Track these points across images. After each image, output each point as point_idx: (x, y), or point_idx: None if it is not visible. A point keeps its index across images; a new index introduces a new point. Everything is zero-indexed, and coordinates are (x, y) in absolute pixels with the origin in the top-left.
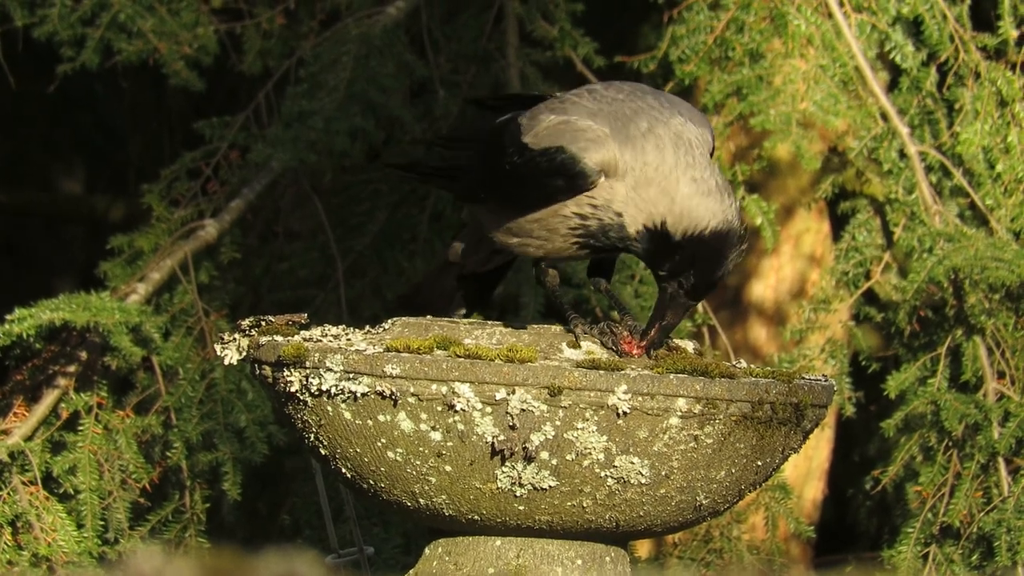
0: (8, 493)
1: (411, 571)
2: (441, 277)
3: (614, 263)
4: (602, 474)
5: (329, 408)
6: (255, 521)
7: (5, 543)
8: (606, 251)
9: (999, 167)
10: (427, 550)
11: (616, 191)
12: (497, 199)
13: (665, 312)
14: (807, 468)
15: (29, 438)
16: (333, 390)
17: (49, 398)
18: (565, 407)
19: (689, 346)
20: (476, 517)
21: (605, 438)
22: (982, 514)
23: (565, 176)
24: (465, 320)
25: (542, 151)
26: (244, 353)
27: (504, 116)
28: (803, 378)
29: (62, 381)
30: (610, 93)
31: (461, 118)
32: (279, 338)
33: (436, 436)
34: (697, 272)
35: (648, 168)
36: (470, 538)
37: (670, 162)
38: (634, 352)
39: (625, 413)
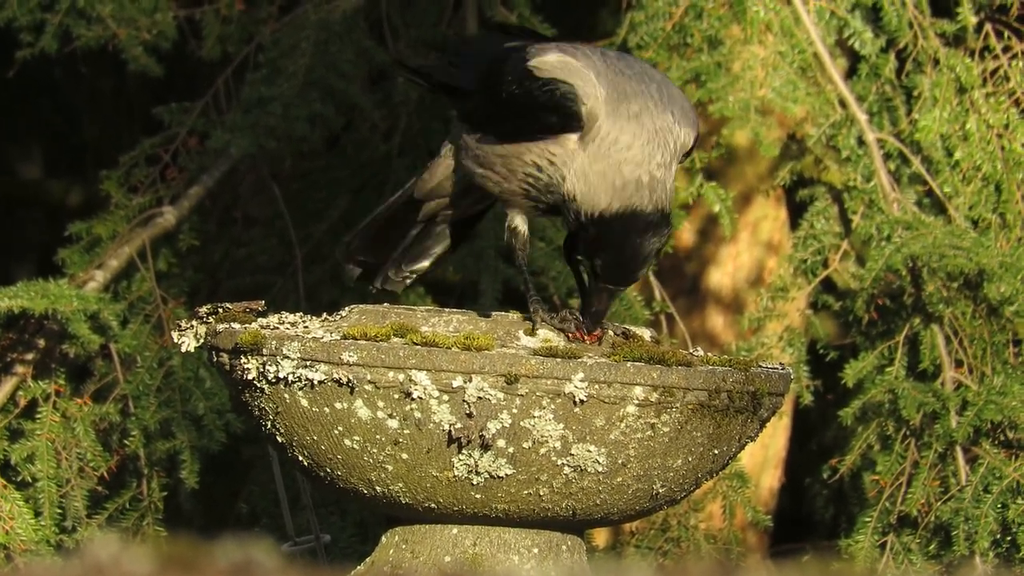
0: None
1: (368, 559)
2: (395, 217)
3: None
4: (559, 462)
5: (286, 395)
6: (212, 509)
7: None
8: (549, 213)
9: (957, 154)
10: (384, 538)
11: (576, 156)
12: (481, 121)
13: (593, 294)
14: (764, 457)
15: None
16: (290, 377)
17: (7, 386)
18: (522, 395)
19: (646, 334)
20: (433, 505)
21: (562, 426)
22: (940, 503)
23: (560, 112)
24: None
25: (544, 82)
26: (201, 340)
27: (514, 43)
28: (760, 366)
29: (20, 369)
30: (620, 65)
31: (420, 103)
32: (236, 325)
33: (393, 424)
34: (605, 256)
35: (613, 148)
36: (427, 526)
37: (633, 152)
38: (587, 339)
39: (582, 401)
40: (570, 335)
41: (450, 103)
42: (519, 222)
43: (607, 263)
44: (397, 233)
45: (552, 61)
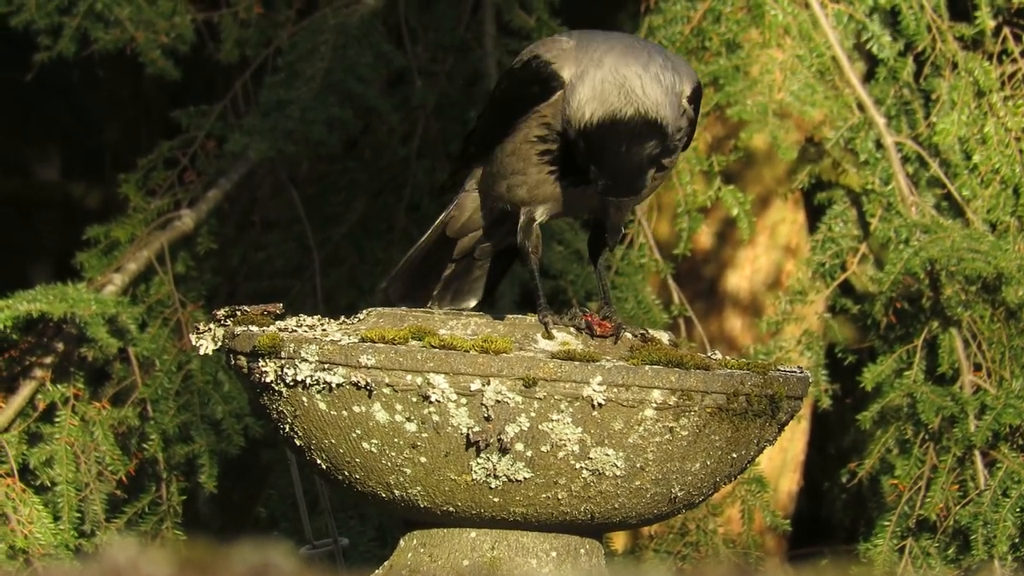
0: None
1: (386, 563)
2: (430, 256)
3: (607, 230)
4: (577, 466)
5: (304, 399)
6: (231, 513)
7: None
8: (582, 182)
9: (976, 158)
10: (402, 542)
11: (561, 105)
12: (484, 139)
13: (607, 212)
14: (782, 460)
15: (5, 430)
16: (308, 380)
17: (26, 389)
18: (540, 398)
19: (664, 337)
20: (451, 509)
21: (580, 429)
22: (958, 507)
23: (540, 82)
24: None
25: (522, 64)
26: (219, 343)
27: None
28: (778, 370)
29: (39, 372)
30: (614, 34)
31: (438, 106)
32: (254, 328)
33: (411, 427)
34: (600, 170)
35: (591, 72)
36: (445, 530)
37: (609, 62)
38: (604, 332)
39: (600, 404)
40: (593, 330)
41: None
42: (538, 216)
43: (600, 175)
44: (435, 273)
45: (526, 49)
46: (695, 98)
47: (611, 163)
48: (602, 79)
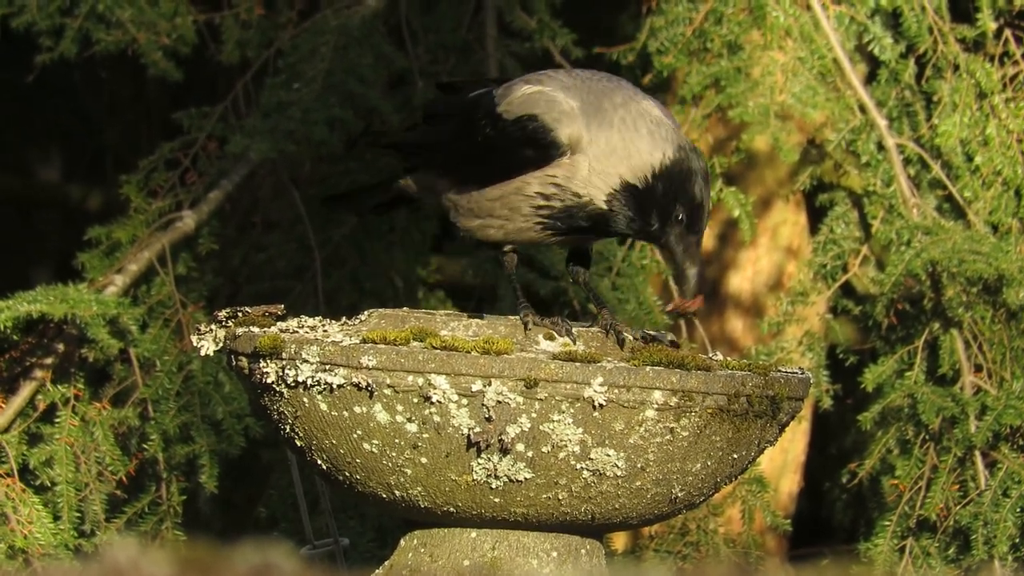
0: None
1: (386, 563)
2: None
3: (590, 252)
4: (578, 466)
5: (305, 399)
6: (231, 513)
7: None
8: (576, 234)
9: (977, 159)
10: (402, 542)
11: (578, 168)
12: (464, 173)
13: (684, 260)
14: (783, 461)
15: (6, 430)
16: (309, 381)
17: (26, 390)
18: (541, 399)
19: (666, 338)
20: (451, 509)
21: (581, 430)
22: (959, 507)
23: (535, 146)
24: (442, 312)
25: (515, 119)
26: (220, 344)
27: (479, 90)
28: (779, 371)
29: (39, 373)
30: (586, 74)
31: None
32: (255, 329)
33: (412, 428)
34: (683, 202)
35: (613, 138)
36: (445, 530)
37: (632, 132)
38: (694, 306)
39: (601, 405)
40: (675, 308)
41: (428, 167)
42: (509, 248)
43: (689, 207)
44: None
45: (517, 97)
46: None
47: (691, 193)
48: (638, 151)
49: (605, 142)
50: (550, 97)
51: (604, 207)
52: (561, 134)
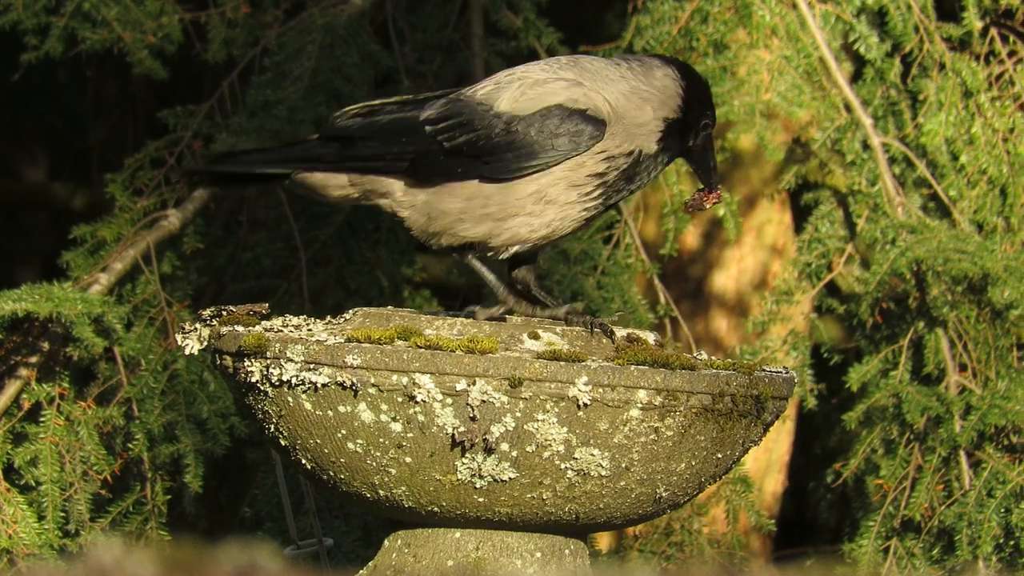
0: None
1: (370, 563)
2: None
3: (537, 257)
4: (562, 466)
5: (290, 399)
6: (216, 513)
7: None
8: (611, 202)
9: (963, 159)
10: (386, 542)
11: (617, 133)
12: (465, 178)
13: (712, 158)
14: (767, 461)
15: None
16: (294, 380)
17: (11, 389)
18: (526, 398)
19: (650, 337)
20: (436, 509)
21: (565, 430)
22: (943, 507)
23: (572, 133)
24: (428, 314)
25: (535, 113)
26: (205, 343)
27: (423, 111)
28: (764, 370)
29: (24, 372)
30: (542, 61)
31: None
32: (240, 328)
33: (396, 427)
34: (708, 109)
35: (626, 91)
36: (429, 530)
37: (637, 78)
38: (714, 199)
39: (586, 405)
40: (696, 203)
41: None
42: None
43: (710, 123)
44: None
45: (516, 94)
46: None
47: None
48: (647, 87)
49: (624, 97)
50: (557, 84)
51: (655, 149)
52: (596, 110)
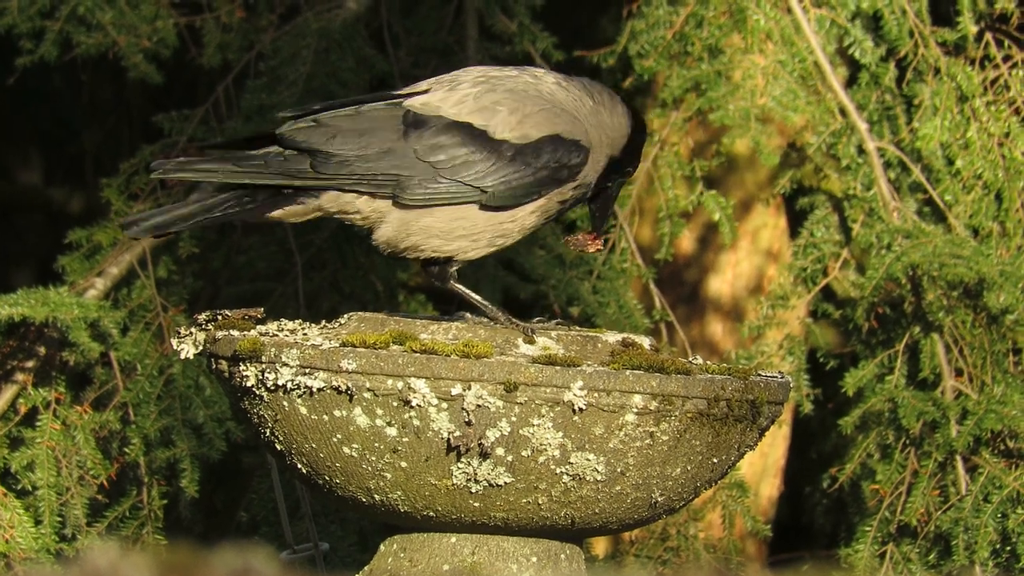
0: None
1: (366, 568)
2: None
3: None
4: (558, 471)
5: (285, 403)
6: (212, 517)
7: None
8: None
9: (958, 163)
10: (382, 547)
11: (588, 164)
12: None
13: (614, 204)
14: (763, 465)
15: None
16: (289, 385)
17: (7, 393)
18: (521, 403)
19: (645, 342)
20: (431, 513)
21: (561, 434)
22: (939, 513)
23: (568, 169)
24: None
25: (538, 141)
26: (200, 347)
27: (406, 135)
28: (759, 375)
29: (20, 376)
30: (505, 73)
31: None
32: (235, 332)
33: (392, 432)
34: (635, 158)
35: (597, 123)
36: (425, 535)
37: (602, 111)
38: (596, 247)
39: (581, 409)
40: (579, 242)
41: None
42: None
43: (634, 160)
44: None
45: (520, 120)
46: None
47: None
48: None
49: (595, 129)
50: (550, 112)
51: (592, 181)
52: (587, 141)
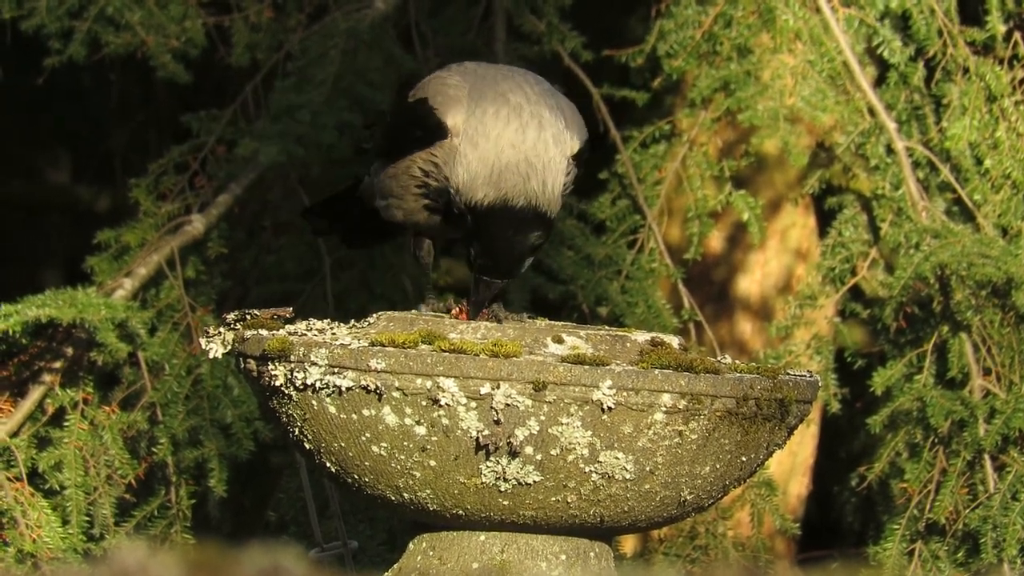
0: None
1: (395, 566)
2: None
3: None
4: (586, 469)
5: (314, 402)
6: (241, 517)
7: None
8: (455, 219)
9: (987, 163)
10: (411, 545)
11: (456, 150)
12: (378, 157)
13: (473, 286)
14: (792, 464)
15: (15, 434)
16: (318, 384)
17: (35, 394)
18: (550, 402)
19: (674, 342)
20: (460, 512)
21: (590, 433)
22: (968, 511)
23: (423, 126)
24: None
25: (411, 104)
26: (229, 347)
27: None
28: (788, 374)
29: (48, 377)
30: (501, 70)
31: None
32: (264, 332)
33: (421, 430)
34: (479, 248)
35: (489, 132)
36: (454, 533)
37: (509, 133)
38: (461, 318)
39: (610, 408)
40: (451, 312)
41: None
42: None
43: (481, 255)
44: (348, 216)
45: (421, 83)
46: (581, 155)
47: (495, 247)
48: (498, 156)
49: (475, 132)
50: (443, 81)
51: (452, 192)
52: (449, 119)
